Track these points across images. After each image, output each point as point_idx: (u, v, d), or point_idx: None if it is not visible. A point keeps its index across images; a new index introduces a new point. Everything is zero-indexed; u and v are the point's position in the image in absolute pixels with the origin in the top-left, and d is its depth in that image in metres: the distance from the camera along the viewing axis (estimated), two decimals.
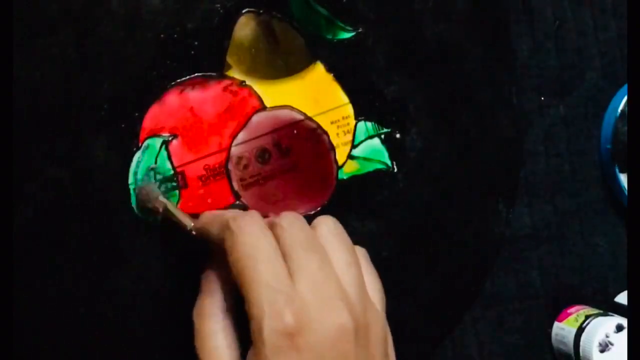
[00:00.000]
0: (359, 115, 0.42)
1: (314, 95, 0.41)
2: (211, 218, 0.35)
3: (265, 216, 0.34)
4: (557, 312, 0.51)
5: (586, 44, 0.51)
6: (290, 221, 0.33)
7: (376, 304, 0.34)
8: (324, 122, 0.42)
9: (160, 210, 0.37)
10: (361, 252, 0.35)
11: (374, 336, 0.32)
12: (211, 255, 0.36)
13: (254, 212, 0.33)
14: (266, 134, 0.41)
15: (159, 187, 0.39)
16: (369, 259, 0.36)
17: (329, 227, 0.34)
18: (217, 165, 0.40)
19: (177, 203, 0.39)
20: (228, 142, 0.40)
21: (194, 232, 0.36)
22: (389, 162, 0.43)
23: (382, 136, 0.43)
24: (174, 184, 0.39)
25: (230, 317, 0.34)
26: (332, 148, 0.42)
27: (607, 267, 0.53)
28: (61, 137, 0.38)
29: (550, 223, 0.51)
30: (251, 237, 0.32)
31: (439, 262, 0.45)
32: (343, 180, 0.42)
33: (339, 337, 0.30)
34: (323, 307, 0.31)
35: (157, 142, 0.39)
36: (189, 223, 0.36)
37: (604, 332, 0.48)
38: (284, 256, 0.32)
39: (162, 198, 0.38)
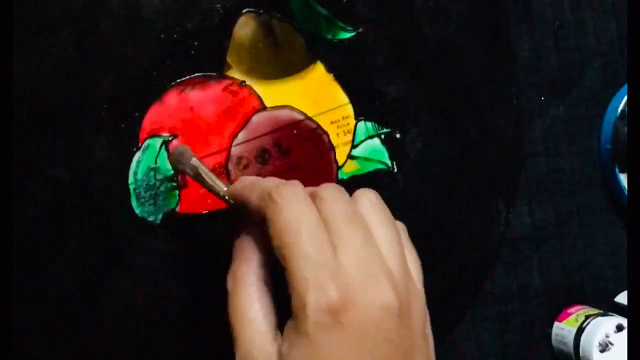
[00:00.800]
0: (359, 115, 0.42)
1: (314, 95, 0.41)
2: (249, 185, 0.33)
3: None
4: (557, 312, 0.51)
5: (586, 44, 0.51)
6: (332, 193, 0.32)
7: (416, 282, 0.33)
8: (324, 122, 0.42)
9: (192, 173, 0.36)
10: (401, 227, 0.34)
11: (415, 314, 0.32)
12: (244, 222, 0.34)
13: (296, 182, 0.32)
14: (266, 134, 0.41)
15: (159, 188, 0.39)
16: (407, 234, 0.35)
17: (371, 200, 0.33)
18: (217, 166, 0.40)
19: (177, 203, 0.39)
20: (228, 142, 0.40)
21: (227, 198, 0.34)
22: (389, 162, 0.43)
23: (382, 136, 0.43)
24: (174, 184, 0.39)
25: (266, 287, 0.32)
26: (332, 148, 0.42)
27: (607, 267, 0.53)
28: (61, 137, 0.38)
29: (550, 223, 0.51)
30: (295, 210, 0.30)
31: (439, 262, 0.45)
32: (343, 180, 0.42)
33: (383, 315, 0.30)
34: (368, 283, 0.30)
35: (157, 142, 0.39)
36: (222, 189, 0.35)
37: (604, 332, 0.48)
38: (326, 229, 0.31)
39: (195, 161, 0.36)
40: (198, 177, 0.36)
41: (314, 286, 0.29)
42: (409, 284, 0.32)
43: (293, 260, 0.29)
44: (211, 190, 0.35)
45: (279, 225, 0.30)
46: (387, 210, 0.33)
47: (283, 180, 0.33)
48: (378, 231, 0.32)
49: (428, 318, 0.34)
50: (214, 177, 0.35)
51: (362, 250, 0.31)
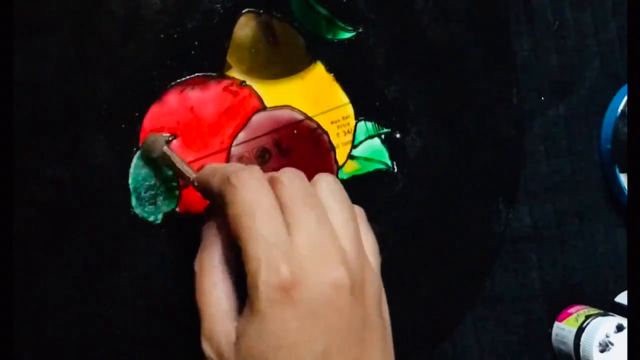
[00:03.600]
0: (359, 115, 0.42)
1: (314, 95, 0.41)
2: (212, 171, 0.35)
3: (265, 171, 0.34)
4: (557, 312, 0.51)
5: (586, 44, 0.51)
6: (290, 177, 0.33)
7: (372, 263, 0.34)
8: (324, 122, 0.42)
9: (164, 161, 0.37)
10: (359, 211, 0.35)
11: (369, 293, 0.33)
12: (211, 208, 0.36)
13: (254, 166, 0.33)
14: (266, 134, 0.41)
15: (159, 188, 0.39)
16: (365, 218, 0.36)
17: (329, 183, 0.34)
18: None
19: (177, 203, 0.39)
20: (228, 142, 0.40)
21: (195, 184, 0.36)
22: (389, 162, 0.43)
23: (382, 136, 0.43)
24: (174, 184, 0.39)
25: (230, 269, 0.34)
26: (332, 148, 0.42)
27: (607, 267, 0.53)
28: (61, 137, 0.38)
29: (550, 223, 0.51)
30: (251, 192, 0.31)
31: (439, 262, 0.45)
32: (343, 180, 0.42)
33: (334, 292, 0.31)
34: (320, 262, 0.31)
35: None
36: (191, 175, 0.36)
37: (604, 332, 0.48)
38: (283, 211, 0.32)
39: (166, 149, 0.37)
40: (168, 165, 0.37)
41: (266, 265, 0.30)
42: (364, 263, 0.33)
43: (248, 240, 0.31)
44: (181, 176, 0.37)
45: (236, 207, 0.31)
46: (345, 193, 0.34)
47: (243, 165, 0.34)
48: (334, 213, 0.33)
49: (384, 298, 0.35)
50: (184, 164, 0.37)
51: (316, 230, 0.32)
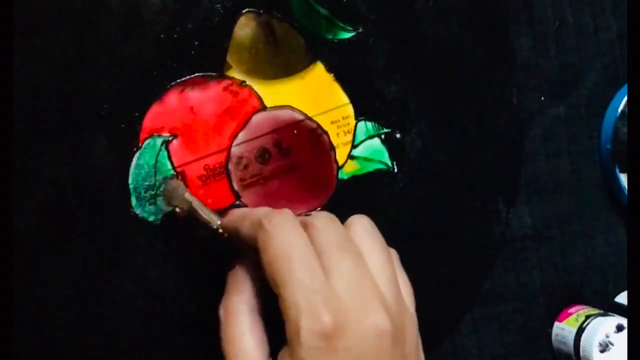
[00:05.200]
0: (359, 115, 0.42)
1: (314, 95, 0.41)
2: (241, 216, 0.34)
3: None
4: (557, 312, 0.51)
5: (586, 44, 0.51)
6: (324, 221, 0.32)
7: (408, 306, 0.33)
8: (324, 122, 0.42)
9: (185, 208, 0.37)
10: (393, 253, 0.35)
11: (409, 338, 0.32)
12: (239, 254, 0.35)
13: (287, 210, 0.33)
14: (266, 134, 0.41)
15: (160, 187, 0.39)
16: (399, 259, 0.35)
17: (364, 226, 0.33)
18: (217, 165, 0.40)
19: None
20: (228, 142, 0.40)
21: (220, 231, 0.35)
22: (389, 162, 0.43)
23: (382, 136, 0.43)
24: None
25: (259, 316, 0.33)
26: (332, 148, 0.42)
27: (607, 267, 0.53)
28: (61, 137, 0.38)
29: (550, 223, 0.51)
30: (286, 236, 0.31)
31: (439, 262, 0.45)
32: (343, 180, 0.42)
33: (377, 339, 0.30)
34: (360, 307, 0.30)
35: (157, 142, 0.39)
36: (215, 222, 0.36)
37: (604, 332, 0.48)
38: (318, 256, 0.31)
39: (187, 196, 0.37)
40: (191, 212, 0.37)
41: (307, 311, 0.29)
42: (402, 308, 0.32)
43: (285, 286, 0.30)
44: (205, 224, 0.36)
45: (270, 252, 0.31)
46: (380, 236, 0.34)
47: (272, 209, 0.33)
48: (370, 256, 0.32)
49: (420, 342, 0.34)
50: (207, 211, 0.36)
51: (354, 275, 0.31)
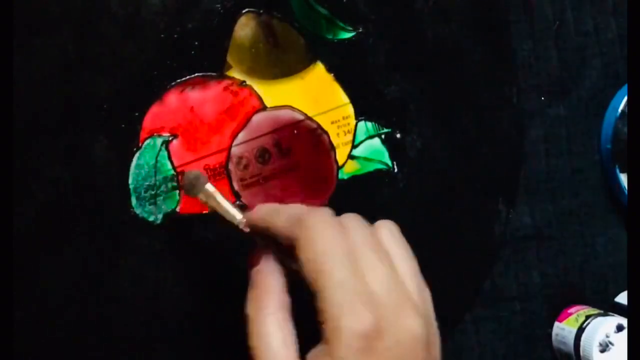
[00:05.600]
0: (359, 115, 0.42)
1: (314, 95, 0.41)
2: (274, 211, 0.33)
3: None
4: (557, 312, 0.51)
5: (586, 44, 0.51)
6: (356, 223, 0.32)
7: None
8: (324, 122, 0.42)
9: (204, 200, 0.36)
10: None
11: (436, 343, 0.32)
12: (261, 248, 0.34)
13: (326, 209, 0.32)
14: (266, 134, 0.41)
15: (159, 188, 0.39)
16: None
17: (392, 231, 0.33)
18: (217, 165, 0.40)
19: (177, 203, 0.39)
20: (228, 142, 0.40)
21: (241, 227, 0.35)
22: (389, 162, 0.43)
23: (382, 136, 0.43)
24: (174, 184, 0.39)
25: (288, 313, 0.32)
26: (333, 148, 0.42)
27: (607, 267, 0.53)
28: (61, 137, 0.38)
29: (550, 223, 0.51)
30: (329, 235, 0.31)
31: (439, 262, 0.45)
32: (343, 180, 0.42)
33: (413, 343, 0.30)
34: (399, 311, 0.30)
35: (158, 142, 0.39)
36: (238, 215, 0.35)
37: (604, 332, 0.48)
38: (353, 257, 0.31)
39: (209, 186, 0.36)
40: (211, 204, 0.36)
41: (349, 311, 0.29)
42: (430, 314, 0.33)
43: (327, 285, 0.30)
44: (225, 217, 0.35)
45: (312, 251, 0.30)
46: (406, 242, 0.34)
47: (311, 207, 0.33)
48: (398, 260, 0.32)
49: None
50: (228, 205, 0.35)
51: (390, 279, 0.31)
